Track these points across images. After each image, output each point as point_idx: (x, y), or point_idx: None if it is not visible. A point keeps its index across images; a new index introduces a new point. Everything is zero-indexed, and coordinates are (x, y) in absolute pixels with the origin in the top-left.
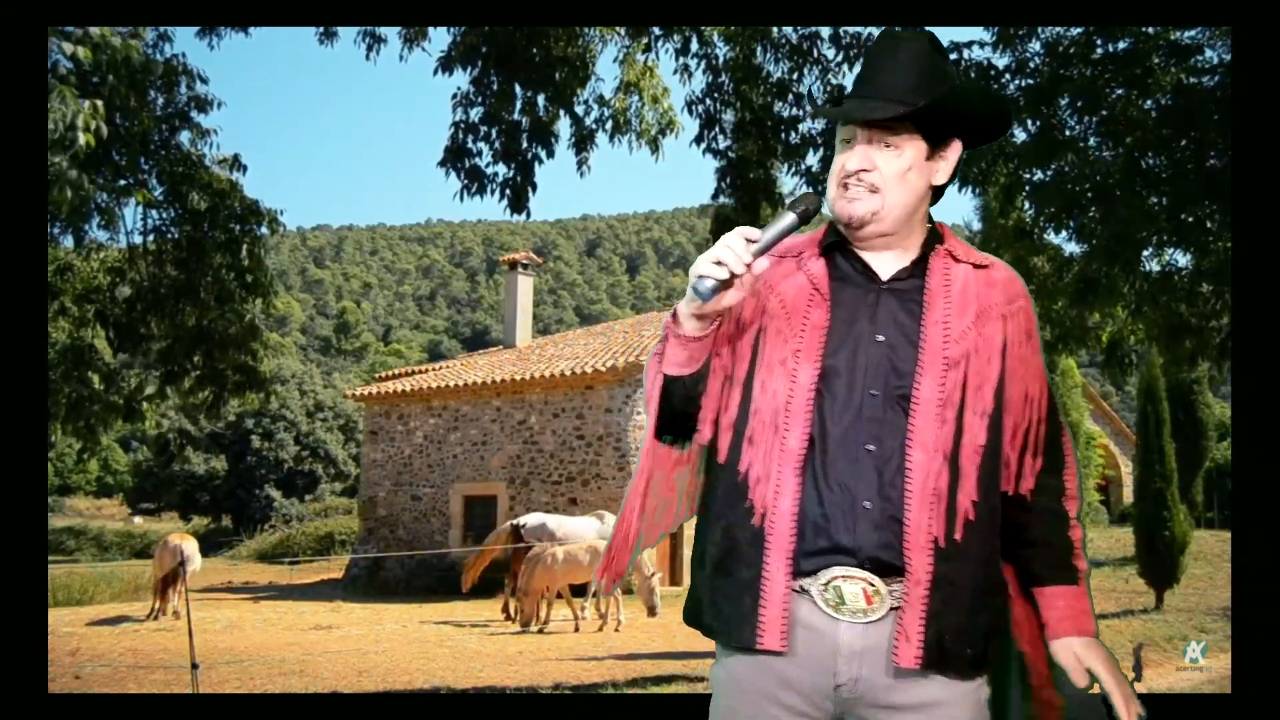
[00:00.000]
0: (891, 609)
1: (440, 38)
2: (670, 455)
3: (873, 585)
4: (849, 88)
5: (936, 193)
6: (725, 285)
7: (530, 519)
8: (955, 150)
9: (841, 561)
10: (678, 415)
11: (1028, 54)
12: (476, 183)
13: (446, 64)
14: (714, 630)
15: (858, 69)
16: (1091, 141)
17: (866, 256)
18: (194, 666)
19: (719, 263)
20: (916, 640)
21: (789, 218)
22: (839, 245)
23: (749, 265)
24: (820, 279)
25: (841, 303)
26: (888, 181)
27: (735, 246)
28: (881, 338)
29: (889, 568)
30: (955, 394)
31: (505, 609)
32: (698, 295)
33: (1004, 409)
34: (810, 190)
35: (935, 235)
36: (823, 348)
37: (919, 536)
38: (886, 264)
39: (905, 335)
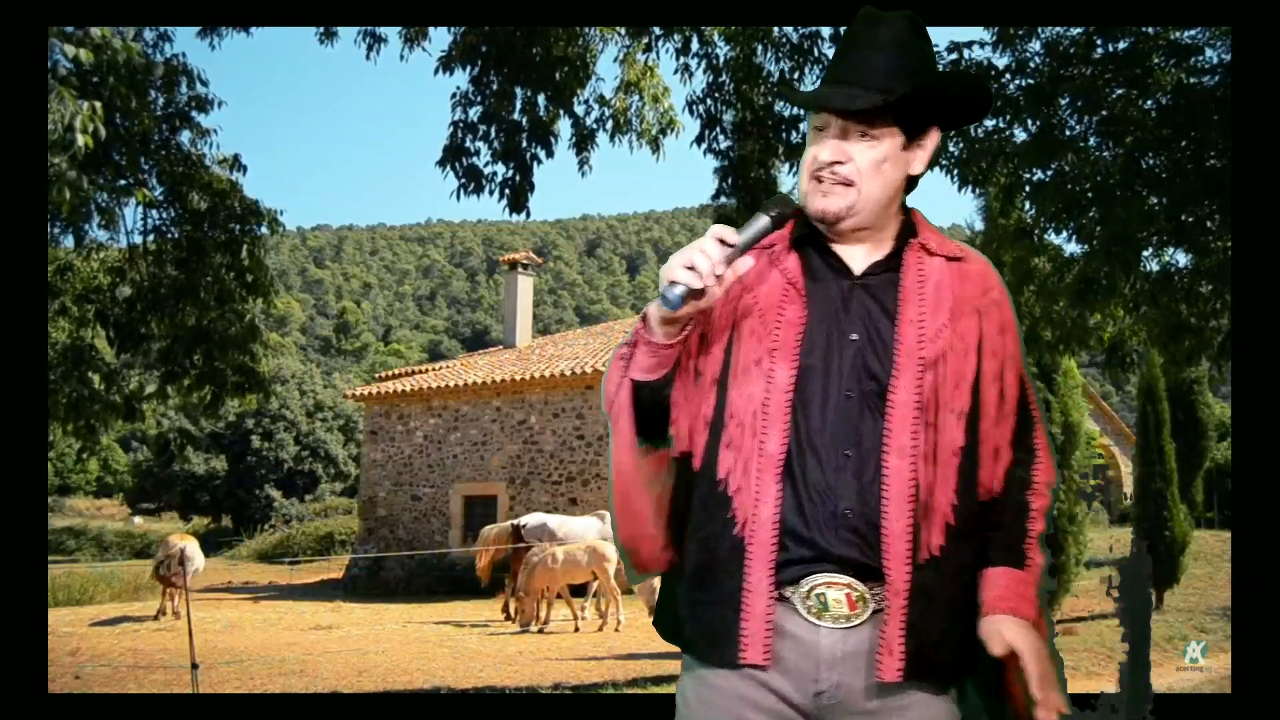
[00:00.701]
0: (874, 612)
1: (440, 38)
2: (648, 460)
3: (856, 590)
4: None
5: (912, 182)
6: (695, 294)
7: (530, 519)
8: (933, 138)
9: (824, 569)
10: (645, 418)
11: (1028, 54)
12: (474, 181)
13: (446, 64)
14: (695, 645)
15: (836, 49)
16: (1091, 141)
17: (838, 249)
18: (194, 666)
19: (690, 267)
20: (899, 653)
21: (762, 221)
22: (810, 238)
23: (719, 277)
24: (795, 274)
25: (815, 299)
26: (863, 174)
27: (709, 251)
28: (855, 336)
29: (870, 571)
30: (932, 396)
31: (505, 609)
32: (666, 304)
33: (979, 406)
34: (786, 194)
35: (909, 226)
36: (799, 346)
37: (897, 545)
38: (859, 257)
39: (879, 333)
